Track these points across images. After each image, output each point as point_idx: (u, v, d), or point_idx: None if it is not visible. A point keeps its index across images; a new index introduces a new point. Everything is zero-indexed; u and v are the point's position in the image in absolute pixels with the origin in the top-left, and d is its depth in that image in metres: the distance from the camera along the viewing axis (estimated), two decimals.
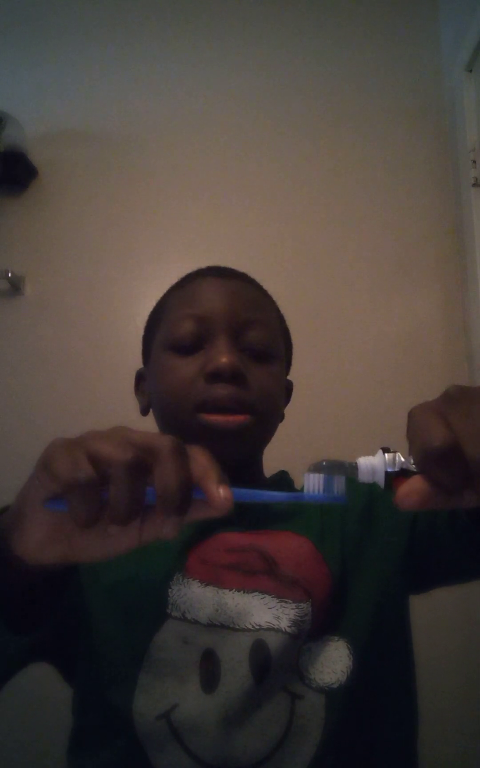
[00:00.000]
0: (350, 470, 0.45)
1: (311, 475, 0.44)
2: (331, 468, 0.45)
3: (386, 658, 0.61)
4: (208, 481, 0.37)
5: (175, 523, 0.36)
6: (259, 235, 1.44)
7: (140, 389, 0.75)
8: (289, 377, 0.77)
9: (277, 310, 0.74)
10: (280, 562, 0.61)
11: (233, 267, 0.74)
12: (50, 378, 1.38)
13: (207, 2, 1.58)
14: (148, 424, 0.69)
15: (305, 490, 0.43)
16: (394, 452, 0.47)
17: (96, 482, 0.35)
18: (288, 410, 0.77)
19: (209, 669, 0.56)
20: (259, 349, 0.66)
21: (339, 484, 0.44)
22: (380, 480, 0.45)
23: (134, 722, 0.55)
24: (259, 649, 0.56)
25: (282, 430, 0.75)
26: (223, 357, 0.62)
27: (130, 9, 1.57)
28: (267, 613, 0.57)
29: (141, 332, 1.16)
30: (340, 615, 0.60)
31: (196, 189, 1.48)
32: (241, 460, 0.66)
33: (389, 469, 0.45)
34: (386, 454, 0.47)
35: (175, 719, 0.54)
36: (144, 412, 0.72)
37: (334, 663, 0.57)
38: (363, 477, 0.45)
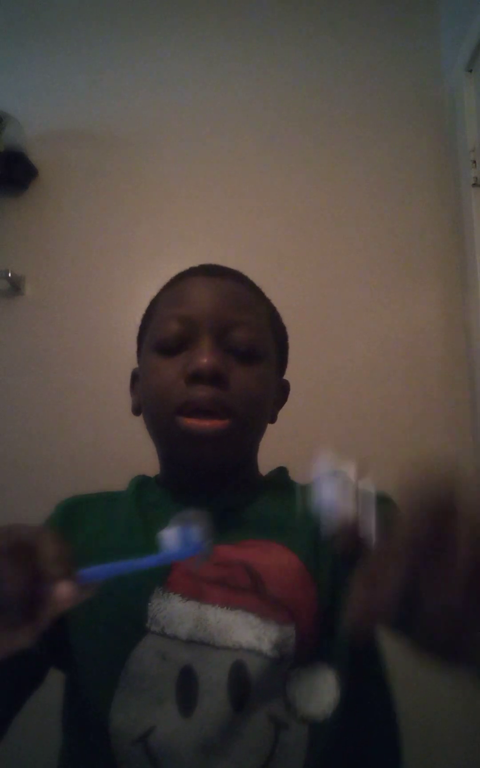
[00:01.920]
0: (204, 518, 0.45)
1: (165, 532, 0.44)
2: (181, 522, 0.44)
3: (369, 690, 0.59)
4: (48, 580, 0.37)
5: (27, 631, 0.37)
6: (259, 235, 1.44)
7: (134, 389, 0.75)
8: (287, 377, 0.77)
9: (269, 309, 0.73)
10: (266, 581, 0.59)
11: (232, 267, 0.74)
12: (50, 378, 1.38)
13: (207, 2, 1.58)
14: (141, 424, 0.69)
15: (163, 548, 0.43)
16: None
17: None
18: (287, 410, 0.77)
19: (187, 688, 0.54)
20: (244, 350, 0.65)
21: (197, 535, 0.44)
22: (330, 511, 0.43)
23: (112, 744, 0.53)
24: (238, 672, 0.54)
25: (281, 430, 0.74)
26: (203, 358, 0.61)
27: (130, 9, 1.58)
28: (249, 632, 0.56)
29: None
30: (327, 642, 0.57)
31: (195, 189, 1.48)
32: (223, 464, 0.65)
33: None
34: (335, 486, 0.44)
35: (152, 744, 0.53)
36: (135, 411, 0.72)
37: (321, 694, 0.55)
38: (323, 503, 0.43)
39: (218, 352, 0.63)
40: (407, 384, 1.38)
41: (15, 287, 1.40)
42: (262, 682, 0.54)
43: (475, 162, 1.36)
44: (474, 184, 1.35)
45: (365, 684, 0.59)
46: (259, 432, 0.70)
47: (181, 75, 1.54)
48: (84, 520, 0.68)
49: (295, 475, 0.75)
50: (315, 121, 1.52)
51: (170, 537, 0.44)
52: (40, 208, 1.47)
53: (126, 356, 1.39)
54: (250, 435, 0.68)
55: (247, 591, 0.58)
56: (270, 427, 0.73)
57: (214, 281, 0.68)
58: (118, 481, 0.74)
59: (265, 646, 0.55)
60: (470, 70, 1.39)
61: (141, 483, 0.73)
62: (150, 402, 0.66)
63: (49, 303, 1.42)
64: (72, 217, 1.46)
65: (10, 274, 1.37)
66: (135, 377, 0.75)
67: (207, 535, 0.45)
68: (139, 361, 0.74)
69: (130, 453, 1.34)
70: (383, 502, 0.61)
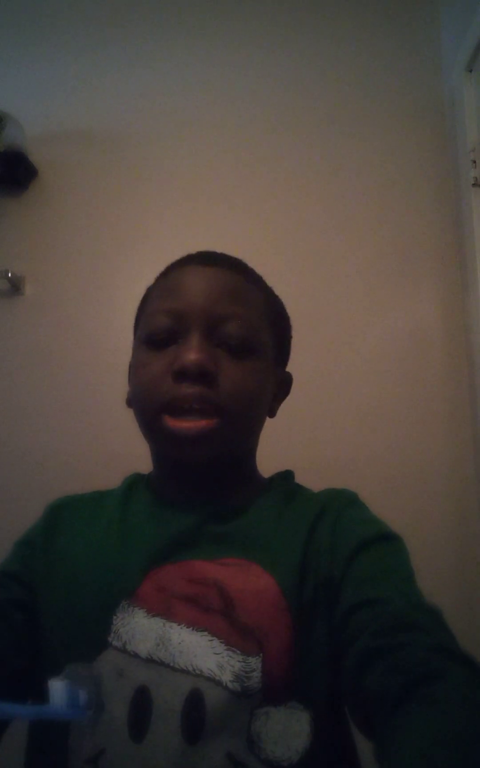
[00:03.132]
0: (96, 681, 0.45)
1: (56, 683, 0.42)
2: (74, 676, 0.43)
3: (342, 736, 0.56)
4: None
5: None
6: (259, 235, 1.44)
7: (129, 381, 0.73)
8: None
9: (268, 298, 0.70)
10: (238, 606, 0.54)
11: None
12: (50, 378, 1.38)
13: (207, 2, 1.58)
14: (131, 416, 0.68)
15: (50, 700, 0.42)
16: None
17: None
18: (286, 409, 0.76)
19: (140, 710, 0.51)
20: (236, 344, 0.61)
21: (84, 696, 0.43)
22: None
23: (68, 760, 0.51)
24: (194, 700, 0.51)
25: (281, 430, 0.74)
26: (190, 354, 0.58)
27: (130, 9, 1.58)
28: (211, 659, 0.52)
29: None
30: (302, 679, 0.53)
31: (195, 189, 1.48)
32: (213, 464, 0.62)
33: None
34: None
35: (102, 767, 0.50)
36: (128, 403, 0.68)
37: (292, 737, 0.51)
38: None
39: (207, 348, 0.60)
40: (407, 384, 1.38)
41: (15, 287, 1.40)
42: (221, 715, 0.50)
43: (475, 162, 1.36)
44: (474, 184, 1.35)
45: (339, 729, 0.56)
46: (254, 429, 0.67)
47: (181, 76, 1.54)
48: (66, 523, 0.66)
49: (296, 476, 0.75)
50: (315, 121, 1.52)
51: (57, 690, 0.43)
52: (40, 208, 1.47)
53: (126, 356, 1.39)
54: (242, 433, 0.65)
55: (216, 613, 0.54)
56: (268, 428, 0.72)
57: (208, 271, 0.66)
58: (117, 479, 0.74)
59: (226, 677, 0.51)
60: (470, 70, 1.39)
61: (133, 482, 0.70)
62: (137, 398, 0.64)
63: (49, 303, 1.42)
64: (72, 217, 1.46)
65: (10, 274, 1.37)
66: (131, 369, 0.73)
67: (91, 703, 0.44)
68: (132, 354, 0.70)
69: (130, 451, 1.34)
70: (386, 540, 0.60)
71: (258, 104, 1.52)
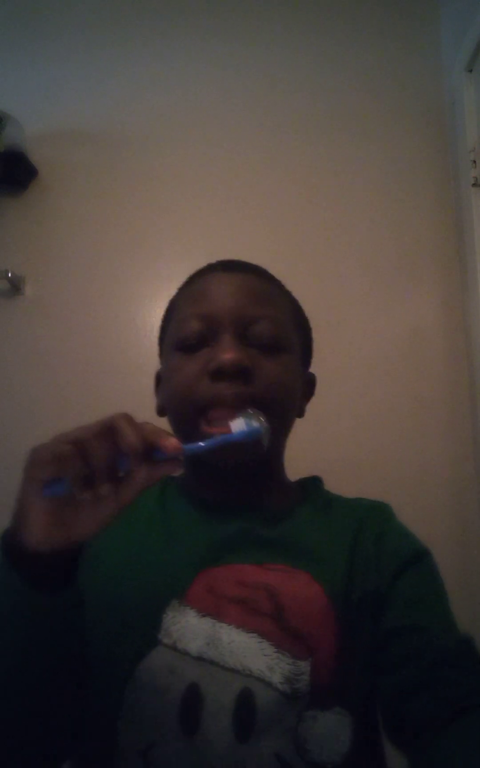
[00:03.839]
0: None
1: (236, 420, 0.53)
2: (248, 415, 0.54)
3: (373, 740, 0.58)
4: (157, 437, 0.44)
5: (146, 471, 0.44)
6: (259, 235, 1.44)
7: (158, 391, 0.73)
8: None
9: (291, 302, 0.72)
10: (287, 610, 0.56)
11: None
12: (50, 378, 1.38)
13: (207, 3, 1.58)
14: (165, 425, 0.67)
15: (232, 431, 0.52)
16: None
17: (76, 453, 0.43)
18: None
19: (191, 706, 0.52)
20: (268, 343, 0.63)
21: (258, 423, 0.53)
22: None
23: (118, 750, 0.53)
24: (246, 700, 0.52)
25: None
26: (226, 353, 0.59)
27: (130, 9, 1.57)
28: (261, 660, 0.54)
29: (141, 332, 1.16)
30: (345, 685, 0.55)
31: (195, 189, 1.48)
32: (252, 465, 0.63)
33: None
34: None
35: (151, 760, 0.52)
36: (159, 413, 0.70)
37: (336, 741, 0.53)
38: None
39: (241, 347, 0.61)
40: (407, 384, 1.38)
41: (15, 287, 1.40)
42: (271, 716, 0.52)
43: (475, 162, 1.36)
44: (474, 184, 1.36)
45: (373, 735, 0.58)
46: (288, 426, 0.68)
47: (181, 76, 1.54)
48: None
49: (292, 475, 0.75)
50: (315, 121, 1.51)
51: (237, 423, 0.53)
52: (40, 208, 1.47)
53: (126, 356, 1.39)
54: (280, 429, 0.65)
55: (266, 616, 0.56)
56: None
57: (233, 276, 0.67)
58: None
59: (276, 678, 0.53)
60: (470, 70, 1.39)
61: (165, 483, 0.70)
62: (173, 402, 0.64)
63: (49, 303, 1.42)
64: (72, 217, 1.46)
65: (10, 274, 1.37)
66: (159, 379, 0.73)
67: (265, 428, 0.54)
68: (161, 363, 0.72)
69: None
70: (425, 557, 0.64)
71: (258, 105, 1.52)
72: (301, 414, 0.71)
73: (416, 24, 1.57)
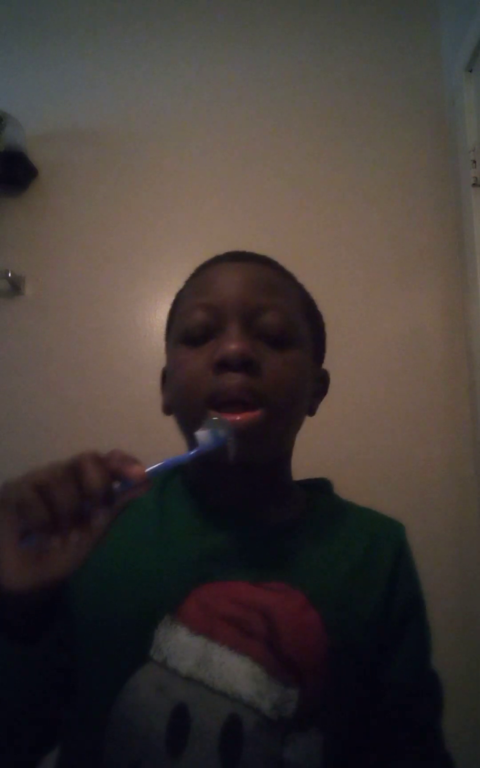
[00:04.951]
0: (227, 424, 0.54)
1: (199, 432, 0.52)
2: (211, 425, 0.53)
3: (347, 757, 0.57)
4: (122, 467, 0.45)
5: (106, 513, 0.44)
6: (259, 235, 1.43)
7: (164, 388, 0.70)
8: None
9: (302, 293, 0.69)
10: (281, 635, 0.55)
11: None
12: (50, 378, 1.38)
13: (207, 3, 1.58)
14: (171, 423, 0.67)
15: (198, 444, 0.52)
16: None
17: (40, 500, 0.42)
18: None
19: (179, 726, 0.51)
20: (275, 335, 0.59)
21: (223, 432, 0.52)
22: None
23: (103, 766, 0.52)
24: (233, 726, 0.51)
25: None
26: (231, 344, 0.56)
27: (130, 9, 1.58)
28: (251, 686, 0.52)
29: (141, 332, 1.16)
30: (329, 709, 0.55)
31: (195, 189, 1.48)
32: (257, 461, 0.59)
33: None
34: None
35: None
36: (166, 410, 0.67)
37: (309, 761, 0.53)
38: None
39: (247, 338, 0.58)
40: (407, 384, 1.38)
41: (15, 287, 1.40)
42: (257, 741, 0.51)
43: (475, 162, 1.36)
44: (474, 184, 1.35)
45: (347, 752, 0.57)
46: (296, 425, 0.65)
47: (181, 76, 1.54)
48: None
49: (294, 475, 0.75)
50: (315, 121, 1.51)
51: (201, 436, 0.52)
52: (40, 208, 1.47)
53: (126, 356, 1.40)
54: (285, 427, 0.62)
55: (259, 640, 0.54)
56: None
57: (240, 266, 0.64)
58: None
59: (265, 705, 0.52)
60: (470, 70, 1.39)
61: (166, 482, 0.67)
62: (178, 396, 0.62)
63: (49, 303, 1.42)
64: (72, 217, 1.46)
65: (10, 274, 1.37)
66: (164, 376, 0.70)
67: (230, 435, 0.53)
68: (166, 358, 0.68)
69: (131, 452, 1.35)
70: (423, 602, 0.65)
71: (257, 104, 1.52)
72: (312, 412, 0.68)
73: (416, 24, 1.57)
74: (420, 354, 1.40)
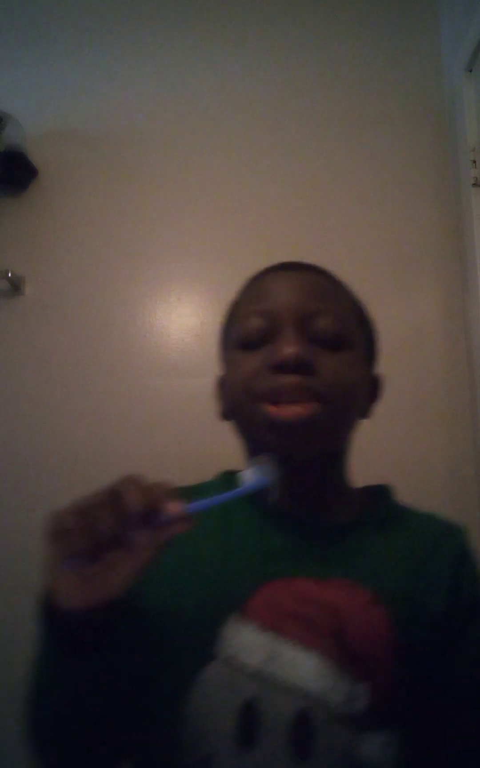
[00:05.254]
0: (273, 461, 0.53)
1: (245, 472, 0.52)
2: (256, 464, 0.53)
3: (419, 760, 0.58)
4: (160, 501, 0.45)
5: (150, 536, 0.45)
6: (259, 236, 1.44)
7: (220, 394, 0.72)
8: None
9: (353, 300, 0.72)
10: (347, 631, 0.55)
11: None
12: (50, 378, 1.38)
13: (207, 3, 1.58)
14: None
15: (241, 484, 0.51)
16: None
17: (82, 526, 0.44)
18: None
19: (249, 721, 0.53)
20: (329, 338, 0.62)
21: (268, 472, 0.52)
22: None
23: (179, 759, 0.53)
24: (303, 720, 0.52)
25: None
26: (287, 347, 0.59)
27: (130, 9, 1.57)
28: (320, 681, 0.53)
29: (141, 332, 1.16)
30: (398, 707, 0.55)
31: (195, 189, 1.48)
32: (315, 458, 0.61)
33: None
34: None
35: None
36: (222, 416, 0.69)
37: (387, 762, 0.53)
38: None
39: (302, 341, 0.60)
40: (407, 383, 1.38)
41: (15, 287, 1.40)
42: (328, 737, 0.52)
43: (475, 162, 1.36)
44: (474, 184, 1.35)
45: (419, 755, 0.58)
46: (350, 424, 0.67)
47: (180, 76, 1.54)
48: None
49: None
50: (315, 121, 1.51)
51: (246, 475, 0.52)
52: (40, 208, 1.47)
53: (126, 356, 1.39)
54: (341, 423, 0.64)
55: (326, 636, 0.55)
56: None
57: (293, 274, 0.67)
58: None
59: (335, 701, 0.53)
60: (470, 70, 1.39)
61: (226, 482, 0.68)
62: (235, 396, 0.63)
63: (49, 303, 1.42)
64: (72, 217, 1.46)
65: (10, 274, 1.37)
66: (220, 384, 0.72)
67: (275, 475, 0.52)
68: (222, 365, 0.71)
69: (131, 452, 1.35)
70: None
71: (257, 104, 1.52)
72: (366, 415, 0.71)
73: (416, 24, 1.57)
74: (420, 354, 1.40)
